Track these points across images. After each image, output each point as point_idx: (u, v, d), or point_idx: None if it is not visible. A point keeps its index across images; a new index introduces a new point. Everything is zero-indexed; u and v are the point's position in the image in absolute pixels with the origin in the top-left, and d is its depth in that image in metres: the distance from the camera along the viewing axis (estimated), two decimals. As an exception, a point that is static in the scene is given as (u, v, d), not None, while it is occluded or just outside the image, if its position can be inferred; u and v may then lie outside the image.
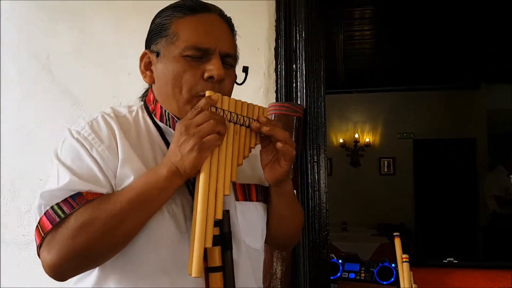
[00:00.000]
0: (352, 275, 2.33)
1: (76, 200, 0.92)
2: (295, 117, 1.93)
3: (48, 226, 0.91)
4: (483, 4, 4.28)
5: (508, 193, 5.29)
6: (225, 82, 1.04)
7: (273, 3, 2.11)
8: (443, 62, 6.06)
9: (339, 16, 4.81)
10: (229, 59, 1.05)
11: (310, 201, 2.00)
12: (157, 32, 1.06)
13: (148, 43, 1.09)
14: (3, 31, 2.29)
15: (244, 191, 1.09)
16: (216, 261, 0.95)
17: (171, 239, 0.97)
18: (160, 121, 1.07)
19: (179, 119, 1.04)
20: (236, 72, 1.11)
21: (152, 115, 1.08)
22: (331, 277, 2.34)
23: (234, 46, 1.10)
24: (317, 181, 2.02)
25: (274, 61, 2.09)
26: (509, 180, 5.31)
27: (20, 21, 2.29)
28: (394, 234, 1.92)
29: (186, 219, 0.98)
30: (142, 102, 1.13)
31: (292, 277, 1.92)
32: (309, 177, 2.00)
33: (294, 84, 2.06)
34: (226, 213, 0.98)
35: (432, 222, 6.73)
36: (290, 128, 1.91)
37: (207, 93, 0.97)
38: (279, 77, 2.07)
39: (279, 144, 1.01)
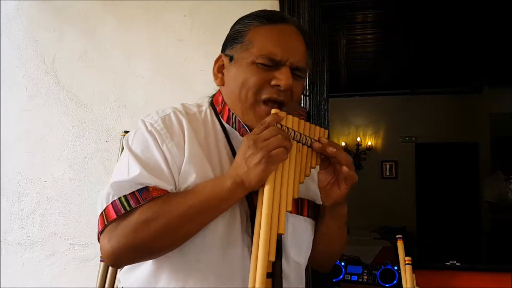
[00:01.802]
0: (354, 278, 2.34)
1: (143, 195, 0.95)
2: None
3: (113, 215, 0.95)
4: (486, 8, 4.29)
5: (502, 199, 5.26)
6: (292, 91, 1.06)
7: (277, 7, 2.12)
8: (445, 66, 6.06)
9: (341, 20, 4.83)
10: (298, 72, 1.07)
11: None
12: (234, 38, 1.10)
13: (224, 47, 1.13)
14: (9, 34, 2.32)
15: (297, 205, 1.10)
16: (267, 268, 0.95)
17: (224, 244, 0.99)
18: (227, 122, 1.10)
19: (244, 123, 1.07)
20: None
21: (220, 116, 1.12)
22: (334, 280, 2.34)
23: (305, 59, 1.11)
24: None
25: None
26: (508, 185, 5.29)
27: (27, 24, 2.31)
28: (397, 236, 1.92)
29: (242, 226, 1.01)
30: (210, 101, 1.16)
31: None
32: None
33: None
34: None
35: (434, 225, 6.73)
36: (294, 131, 1.92)
37: (273, 110, 0.99)
38: (282, 80, 2.09)
39: (345, 168, 1.01)
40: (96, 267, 1.59)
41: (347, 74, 6.44)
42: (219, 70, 1.13)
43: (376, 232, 6.52)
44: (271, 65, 1.04)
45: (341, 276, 2.35)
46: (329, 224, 1.12)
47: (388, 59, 6.00)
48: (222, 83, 1.12)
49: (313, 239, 1.15)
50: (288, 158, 0.98)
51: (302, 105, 2.05)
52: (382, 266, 2.35)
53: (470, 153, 6.83)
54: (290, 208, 0.96)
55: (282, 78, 1.02)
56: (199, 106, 1.14)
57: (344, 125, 7.42)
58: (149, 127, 1.03)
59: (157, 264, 1.01)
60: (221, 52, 1.14)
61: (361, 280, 2.33)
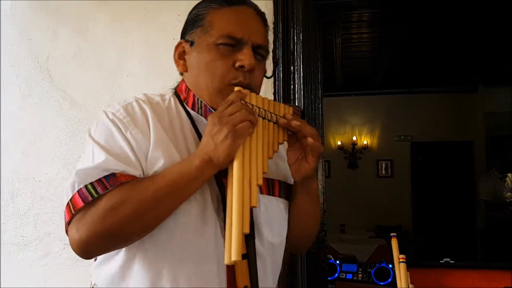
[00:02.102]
0: (349, 276, 2.34)
1: (110, 181, 0.94)
2: (292, 119, 1.95)
3: (80, 203, 0.93)
4: (481, 8, 4.30)
5: (497, 197, 5.28)
6: (255, 73, 1.06)
7: (271, 7, 2.12)
8: (441, 65, 6.09)
9: (336, 19, 4.83)
10: (261, 50, 1.08)
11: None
12: (193, 22, 1.10)
13: (184, 33, 1.12)
14: (3, 33, 2.30)
15: (268, 186, 1.11)
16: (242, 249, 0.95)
17: (198, 226, 0.99)
18: (192, 109, 1.10)
19: (211, 107, 1.07)
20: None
21: (184, 103, 1.11)
22: (329, 278, 2.35)
23: (267, 39, 1.12)
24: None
25: (271, 64, 2.10)
26: (503, 183, 5.31)
27: (20, 23, 2.30)
28: (391, 234, 1.92)
29: (214, 208, 1.00)
30: (174, 91, 1.15)
31: (290, 278, 1.93)
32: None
33: (292, 86, 2.07)
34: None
35: (430, 223, 6.76)
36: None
37: (236, 88, 1.00)
38: (277, 79, 2.09)
39: (309, 139, 1.03)
40: (90, 267, 1.58)
41: (343, 73, 6.46)
42: (180, 56, 1.12)
43: (372, 230, 6.54)
44: (233, 43, 1.04)
45: (336, 275, 2.35)
46: (302, 200, 1.13)
47: (384, 58, 6.02)
48: (184, 69, 1.11)
49: (288, 219, 1.15)
50: (255, 134, 0.98)
51: (296, 103, 2.05)
52: (377, 264, 2.35)
53: (465, 151, 6.87)
54: (260, 182, 0.97)
55: (245, 58, 1.03)
56: (162, 95, 1.13)
57: (339, 124, 7.44)
58: (111, 116, 1.02)
59: (129, 254, 1.00)
60: (181, 38, 1.13)
61: (356, 278, 2.33)
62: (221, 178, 1.01)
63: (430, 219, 6.78)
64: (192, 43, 1.08)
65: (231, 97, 0.98)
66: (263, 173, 0.98)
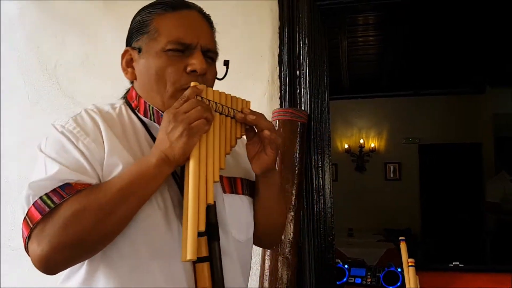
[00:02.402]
0: (358, 280, 2.33)
1: (66, 190, 0.91)
2: (299, 123, 1.95)
3: (37, 216, 0.89)
4: (487, 9, 4.28)
5: (506, 199, 5.21)
6: (207, 76, 1.06)
7: (277, 11, 2.14)
8: (447, 67, 6.06)
9: (342, 22, 4.84)
10: (210, 53, 1.08)
11: (314, 206, 2.01)
12: (138, 29, 1.08)
13: (129, 41, 1.11)
14: (11, 41, 2.33)
15: (231, 184, 1.10)
16: (202, 251, 0.96)
17: (161, 229, 0.97)
18: (144, 116, 1.08)
19: (163, 112, 1.03)
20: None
21: (136, 111, 1.09)
22: (337, 282, 2.34)
23: (215, 42, 1.12)
24: (321, 186, 2.03)
25: (278, 68, 2.11)
26: None
27: (29, 31, 2.33)
28: (400, 238, 1.92)
29: (174, 208, 0.99)
30: (124, 100, 1.14)
31: (298, 282, 1.93)
32: (314, 182, 2.01)
33: (298, 90, 2.08)
34: (213, 206, 0.99)
35: (439, 226, 6.70)
36: (295, 134, 1.93)
37: (192, 83, 0.99)
38: (283, 83, 2.10)
39: (266, 132, 1.03)
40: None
41: (349, 77, 6.45)
42: (127, 64, 1.11)
43: (381, 234, 6.50)
44: (182, 49, 1.03)
45: (345, 279, 2.34)
46: (265, 194, 1.13)
47: (390, 60, 6.00)
48: (133, 77, 1.10)
49: (254, 216, 1.15)
50: (211, 130, 0.98)
51: (302, 107, 2.06)
52: (386, 268, 2.34)
53: (474, 153, 6.81)
54: (217, 179, 0.97)
55: (196, 62, 1.03)
56: (112, 104, 1.12)
57: (347, 127, 7.41)
58: (60, 129, 1.01)
59: (91, 267, 0.97)
60: (126, 46, 1.12)
61: (364, 282, 2.32)
62: (181, 179, 1.00)
63: (439, 222, 6.72)
64: (139, 50, 1.07)
65: (187, 93, 0.97)
66: (220, 169, 0.98)
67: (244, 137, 1.08)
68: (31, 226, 0.90)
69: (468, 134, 6.80)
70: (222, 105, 1.01)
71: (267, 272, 1.80)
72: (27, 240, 0.92)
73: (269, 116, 2.03)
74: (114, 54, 2.21)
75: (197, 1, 2.16)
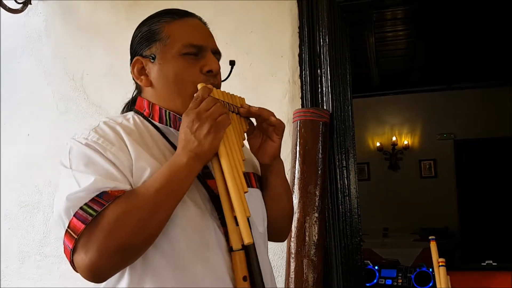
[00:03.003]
0: (389, 281, 2.28)
1: (104, 198, 0.92)
2: (321, 123, 1.92)
3: (81, 226, 0.90)
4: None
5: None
6: (218, 77, 1.13)
7: (296, 11, 2.12)
8: (481, 59, 5.87)
9: (368, 18, 4.76)
10: (217, 55, 1.15)
11: (340, 207, 1.97)
12: (147, 38, 1.12)
13: (137, 51, 1.14)
14: (39, 53, 2.40)
15: (246, 179, 1.13)
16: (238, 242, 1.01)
17: (197, 223, 1.01)
18: (159, 122, 1.12)
19: (180, 117, 1.07)
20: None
21: (149, 118, 1.12)
22: (367, 284, 2.30)
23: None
24: (347, 186, 1.99)
25: (298, 68, 2.09)
26: None
27: (55, 43, 2.39)
28: (430, 238, 1.87)
29: (204, 202, 1.03)
30: (134, 111, 1.16)
31: (325, 285, 1.90)
32: (339, 182, 1.98)
33: (319, 90, 2.05)
34: None
35: (477, 225, 6.48)
36: (317, 134, 1.90)
37: (199, 85, 1.05)
38: (304, 83, 2.07)
39: (272, 118, 1.11)
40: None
41: (379, 73, 6.34)
42: (140, 73, 1.14)
43: (417, 233, 6.35)
44: (196, 52, 1.09)
45: (375, 281, 2.29)
46: (274, 182, 1.19)
47: (421, 55, 5.86)
48: (148, 83, 1.13)
49: (265, 207, 1.20)
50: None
51: (324, 107, 2.03)
52: (417, 269, 2.28)
53: (511, 147, 6.55)
54: (244, 169, 1.03)
55: (212, 63, 1.10)
56: (124, 116, 1.14)
57: (378, 125, 7.28)
58: (84, 142, 1.01)
59: (134, 273, 0.99)
60: (135, 56, 1.14)
61: (395, 283, 2.26)
62: (204, 179, 1.05)
63: (478, 220, 6.51)
64: (153, 58, 1.10)
65: (200, 93, 1.02)
66: (243, 160, 1.05)
67: None
68: (76, 237, 0.90)
69: (505, 127, 6.55)
70: (228, 103, 1.08)
71: (292, 275, 1.78)
72: (71, 253, 0.92)
73: (290, 117, 2.02)
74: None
75: (216, 4, 2.18)
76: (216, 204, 1.03)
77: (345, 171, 1.99)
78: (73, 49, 2.37)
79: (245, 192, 1.00)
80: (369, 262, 2.37)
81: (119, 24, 2.31)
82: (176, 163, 0.97)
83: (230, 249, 1.00)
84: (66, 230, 0.92)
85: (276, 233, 1.27)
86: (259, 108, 1.12)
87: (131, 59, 1.16)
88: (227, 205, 0.99)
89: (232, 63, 1.18)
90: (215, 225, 1.01)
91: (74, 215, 0.91)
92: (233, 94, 1.13)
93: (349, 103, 2.07)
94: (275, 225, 1.22)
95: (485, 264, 2.22)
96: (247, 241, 0.93)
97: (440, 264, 1.80)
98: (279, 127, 1.12)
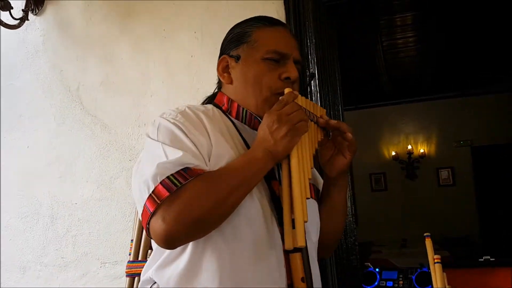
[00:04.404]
0: (390, 283, 2.22)
1: (188, 172, 0.99)
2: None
3: (165, 193, 0.96)
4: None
5: None
6: (296, 85, 1.18)
7: (283, 12, 2.12)
8: (496, 64, 5.77)
9: (375, 25, 4.74)
10: (298, 65, 1.20)
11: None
12: (237, 39, 1.21)
13: (226, 50, 1.23)
14: (37, 67, 2.46)
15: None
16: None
17: (259, 218, 1.05)
18: (236, 118, 1.19)
19: (257, 115, 1.17)
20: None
21: (227, 113, 1.20)
22: (368, 287, 2.24)
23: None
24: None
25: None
26: None
27: (52, 57, 2.45)
28: (425, 234, 1.81)
29: (267, 201, 1.08)
30: (213, 104, 1.24)
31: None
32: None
33: (309, 89, 2.04)
34: None
35: (499, 233, 6.28)
36: (305, 133, 1.89)
37: (286, 90, 1.10)
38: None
39: (349, 135, 1.15)
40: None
41: (390, 81, 6.28)
42: (224, 70, 1.22)
43: (437, 243, 6.19)
44: (278, 58, 1.15)
45: (376, 283, 2.23)
46: (336, 197, 1.23)
47: (434, 61, 5.79)
48: (230, 81, 1.21)
49: (320, 219, 1.23)
50: None
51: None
52: (418, 270, 2.22)
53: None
54: (310, 176, 1.06)
55: (291, 71, 1.15)
56: (204, 106, 1.22)
57: (393, 134, 7.20)
58: (172, 120, 1.08)
59: (196, 251, 1.03)
60: (222, 54, 1.24)
61: (396, 285, 2.20)
62: (270, 180, 1.10)
63: (499, 228, 6.31)
64: (238, 58, 1.18)
65: (285, 97, 1.07)
66: (311, 168, 1.09)
67: None
68: (159, 202, 0.97)
69: (523, 132, 6.39)
70: (309, 111, 1.13)
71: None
72: (150, 217, 0.98)
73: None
74: (131, 70, 2.31)
75: (205, 8, 2.20)
76: (276, 205, 1.08)
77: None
78: (69, 62, 2.42)
79: (307, 198, 1.02)
80: (369, 264, 2.32)
81: (113, 37, 2.35)
82: (253, 155, 1.04)
83: (287, 251, 1.03)
84: (150, 194, 0.98)
85: (324, 248, 1.28)
86: (338, 121, 1.17)
87: (219, 57, 1.24)
88: (288, 207, 1.02)
89: (312, 75, 1.24)
90: (274, 224, 1.06)
91: (160, 182, 0.98)
92: (315, 104, 1.18)
93: (339, 101, 2.05)
94: (325, 240, 1.25)
95: (482, 260, 2.15)
96: (300, 243, 0.96)
97: (436, 261, 1.74)
98: (354, 144, 1.16)
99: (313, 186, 1.23)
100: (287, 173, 1.05)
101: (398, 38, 5.22)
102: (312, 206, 1.18)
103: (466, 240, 6.27)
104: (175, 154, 1.01)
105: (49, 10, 2.46)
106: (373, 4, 4.33)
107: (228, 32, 1.26)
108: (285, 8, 2.11)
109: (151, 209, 0.97)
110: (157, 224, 0.97)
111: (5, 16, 2.29)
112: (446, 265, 1.74)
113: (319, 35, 2.04)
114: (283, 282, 1.03)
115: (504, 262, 2.24)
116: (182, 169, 0.99)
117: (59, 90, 2.42)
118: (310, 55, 2.05)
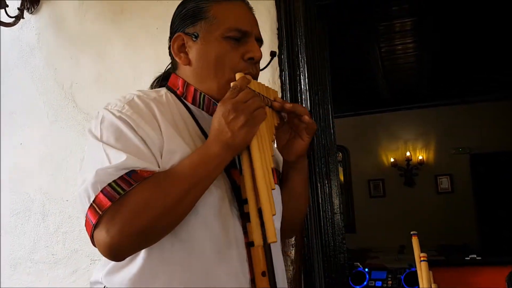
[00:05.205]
0: (379, 283, 2.21)
1: (133, 177, 0.90)
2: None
3: (107, 203, 0.88)
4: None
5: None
6: (257, 65, 1.11)
7: (274, 13, 2.14)
8: (495, 71, 5.77)
9: (372, 31, 4.75)
10: (259, 43, 1.13)
11: (320, 204, 1.94)
12: (193, 15, 1.09)
13: (180, 27, 1.12)
14: (31, 65, 2.48)
15: None
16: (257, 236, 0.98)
17: (218, 217, 0.99)
18: (192, 104, 1.10)
19: (215, 101, 1.07)
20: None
21: (182, 98, 1.10)
22: (357, 287, 2.23)
23: None
24: (326, 183, 1.96)
25: (278, 68, 2.10)
26: None
27: (46, 55, 2.47)
28: (411, 233, 1.81)
29: (227, 194, 1.01)
30: (166, 87, 1.15)
31: (307, 282, 1.86)
32: (317, 179, 1.95)
33: (298, 88, 2.05)
34: None
35: (498, 241, 6.25)
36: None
37: (238, 74, 1.01)
38: (283, 83, 2.08)
39: (306, 118, 1.08)
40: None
41: (388, 87, 6.29)
42: (179, 50, 1.11)
43: (435, 250, 6.16)
44: (239, 37, 1.06)
45: (365, 283, 2.23)
46: (296, 181, 1.17)
47: (432, 67, 5.79)
48: (187, 62, 1.10)
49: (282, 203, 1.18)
50: None
51: (303, 104, 2.02)
52: (407, 270, 2.21)
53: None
54: (273, 165, 1.00)
55: (254, 50, 1.07)
56: (157, 91, 1.12)
57: (391, 141, 7.19)
58: (117, 114, 0.98)
59: (151, 255, 0.97)
60: (175, 32, 1.13)
61: (385, 285, 2.20)
62: (229, 169, 1.02)
63: (498, 236, 6.28)
64: (196, 36, 1.07)
65: (238, 83, 0.98)
66: (272, 155, 1.02)
67: None
68: (100, 213, 0.89)
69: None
70: (263, 96, 1.05)
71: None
72: (93, 228, 0.91)
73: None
74: (122, 68, 2.33)
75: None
76: (237, 195, 1.01)
77: (324, 166, 1.96)
78: (63, 60, 2.44)
79: (272, 189, 0.96)
80: (359, 264, 2.31)
81: (106, 34, 2.37)
82: (208, 152, 0.95)
83: (249, 244, 0.98)
84: (91, 204, 0.90)
85: (288, 230, 1.25)
86: (293, 104, 1.11)
87: (171, 35, 1.14)
88: (253, 201, 0.96)
89: (273, 53, 1.17)
90: (235, 217, 1.00)
91: (101, 191, 0.90)
92: (267, 87, 1.11)
93: (329, 100, 2.06)
94: (289, 223, 1.20)
95: (468, 258, 2.14)
96: (271, 240, 0.89)
97: (422, 259, 1.74)
98: (311, 126, 1.10)
99: (276, 171, 1.16)
100: (249, 164, 0.98)
101: (397, 44, 5.23)
102: (275, 193, 1.11)
103: (465, 248, 6.22)
104: (118, 157, 0.92)
105: (44, 8, 2.49)
106: (371, 10, 4.33)
107: (179, 7, 1.15)
108: (276, 8, 2.13)
109: (93, 221, 0.90)
110: (101, 236, 0.90)
111: (0, 14, 2.32)
112: (434, 264, 1.74)
113: (310, 34, 2.05)
114: (246, 277, 0.98)
115: (491, 261, 2.23)
116: (126, 174, 0.90)
117: (53, 88, 2.44)
118: (301, 55, 2.06)
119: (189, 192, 0.92)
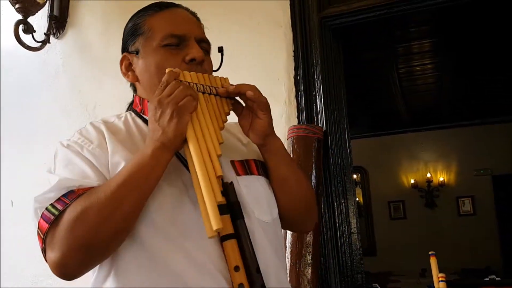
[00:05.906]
0: (397, 305, 2.18)
1: (68, 196, 0.93)
2: (314, 138, 1.94)
3: (45, 226, 0.91)
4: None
5: None
6: (204, 67, 1.09)
7: (290, 35, 2.19)
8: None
9: (390, 52, 4.78)
10: (204, 44, 1.12)
11: (336, 224, 1.95)
12: (131, 33, 1.13)
13: (124, 48, 1.16)
14: (56, 88, 2.57)
15: (244, 166, 1.10)
16: (228, 228, 0.95)
17: (177, 214, 0.97)
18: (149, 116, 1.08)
19: None
20: (212, 57, 1.17)
21: (141, 114, 1.13)
22: (376, 309, 2.21)
23: (204, 34, 1.16)
24: (343, 203, 1.97)
25: (294, 89, 2.14)
26: None
27: (71, 78, 2.56)
28: (430, 253, 1.81)
29: (188, 190, 0.98)
30: (129, 109, 1.20)
31: (323, 303, 1.85)
32: (334, 199, 1.96)
33: (314, 108, 2.08)
34: (230, 184, 1.00)
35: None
36: (310, 150, 1.92)
37: (167, 70, 0.99)
38: (299, 103, 2.11)
39: (249, 92, 1.02)
40: None
41: (408, 108, 6.27)
42: (127, 69, 1.15)
43: (457, 273, 6.03)
44: (177, 43, 1.07)
45: (383, 304, 2.20)
46: (274, 163, 1.10)
47: (452, 88, 5.77)
48: (135, 79, 1.14)
49: (274, 194, 1.12)
50: (199, 109, 0.98)
51: (319, 124, 2.05)
52: (426, 290, 2.18)
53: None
54: (219, 152, 0.95)
55: (194, 51, 1.06)
56: (117, 115, 1.16)
57: (411, 162, 7.14)
58: (65, 143, 1.05)
59: (105, 273, 0.97)
60: (123, 53, 1.16)
61: (404, 307, 2.16)
62: (186, 165, 0.99)
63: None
64: (137, 52, 1.11)
65: (165, 78, 0.96)
66: (220, 143, 0.98)
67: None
68: (42, 237, 0.93)
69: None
70: (202, 85, 1.02)
71: None
72: (44, 252, 0.94)
73: (286, 135, 2.05)
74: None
75: (212, 29, 2.29)
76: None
77: (340, 187, 1.98)
78: (87, 83, 2.52)
79: (219, 176, 0.93)
80: (377, 286, 2.29)
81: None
82: (143, 155, 0.94)
83: (221, 239, 0.94)
84: (37, 230, 0.95)
85: (294, 222, 1.20)
86: (237, 85, 1.04)
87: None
88: (199, 191, 0.91)
89: (220, 49, 1.14)
90: (197, 209, 0.93)
91: (41, 216, 0.93)
92: (215, 76, 1.08)
93: (345, 120, 2.09)
94: (290, 213, 1.14)
95: (487, 279, 2.10)
96: (215, 227, 0.86)
97: (440, 279, 1.73)
98: (259, 101, 1.03)
99: (255, 161, 1.12)
100: (191, 156, 0.94)
101: (415, 65, 5.23)
102: (256, 182, 1.08)
103: (488, 271, 6.07)
104: (53, 180, 0.95)
105: (70, 33, 2.59)
106: (390, 32, 4.36)
107: (124, 30, 1.17)
108: (293, 30, 2.19)
109: (40, 245, 0.94)
110: (48, 258, 0.92)
111: (27, 39, 2.43)
112: (453, 285, 1.72)
113: (325, 55, 2.09)
114: (226, 275, 0.94)
115: (510, 283, 2.18)
116: (63, 195, 0.93)
117: (77, 110, 2.52)
118: (316, 75, 2.10)
119: (124, 198, 0.91)
